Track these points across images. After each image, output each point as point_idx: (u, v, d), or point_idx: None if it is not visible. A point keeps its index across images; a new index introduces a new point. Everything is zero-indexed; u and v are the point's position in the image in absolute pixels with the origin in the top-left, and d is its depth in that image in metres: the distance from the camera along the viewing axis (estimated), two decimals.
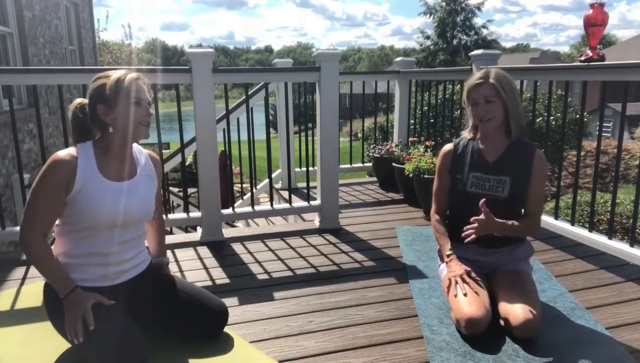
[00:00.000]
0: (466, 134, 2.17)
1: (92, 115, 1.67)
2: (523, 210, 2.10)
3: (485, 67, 3.45)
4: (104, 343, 1.53)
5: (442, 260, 2.20)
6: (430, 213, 2.25)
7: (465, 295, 1.88)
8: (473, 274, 1.99)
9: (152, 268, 1.89)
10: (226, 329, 1.88)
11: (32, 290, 2.31)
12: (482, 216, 1.92)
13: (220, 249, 2.90)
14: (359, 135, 9.25)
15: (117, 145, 1.71)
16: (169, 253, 2.83)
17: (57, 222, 1.69)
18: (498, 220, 1.94)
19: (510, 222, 1.97)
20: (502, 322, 1.87)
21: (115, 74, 1.68)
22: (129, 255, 1.77)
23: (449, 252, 2.10)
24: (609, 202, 4.95)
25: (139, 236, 1.82)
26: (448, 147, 2.20)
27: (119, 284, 1.74)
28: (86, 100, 1.71)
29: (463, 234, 1.95)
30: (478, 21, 32.49)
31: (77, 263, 1.68)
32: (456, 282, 1.95)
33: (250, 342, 1.86)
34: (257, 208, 3.36)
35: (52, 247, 1.70)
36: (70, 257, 1.68)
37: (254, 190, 3.67)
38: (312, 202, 3.34)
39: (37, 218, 1.62)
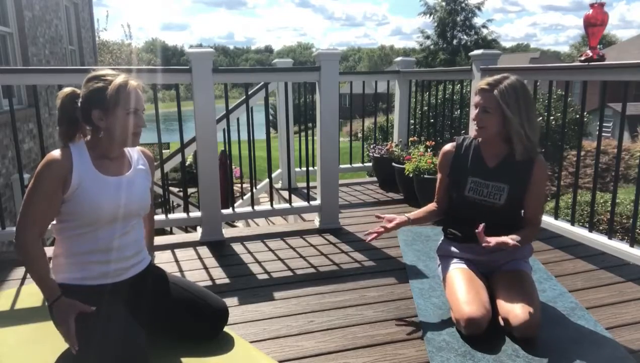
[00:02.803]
0: (472, 133, 2.16)
1: (85, 116, 1.66)
2: (523, 214, 2.10)
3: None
4: (105, 343, 1.53)
5: (441, 260, 2.20)
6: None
7: (464, 297, 1.87)
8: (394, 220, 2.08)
9: (152, 267, 1.89)
10: (226, 329, 1.88)
11: (32, 290, 2.31)
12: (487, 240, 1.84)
13: (220, 249, 2.90)
14: (359, 135, 9.25)
15: (109, 148, 1.71)
16: (169, 253, 2.84)
17: (55, 221, 1.69)
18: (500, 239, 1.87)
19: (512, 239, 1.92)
20: (502, 322, 1.87)
21: (116, 80, 1.64)
22: (130, 253, 1.77)
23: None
24: (609, 202, 4.94)
25: (137, 232, 1.82)
26: (449, 147, 2.18)
27: (120, 282, 1.75)
28: (78, 91, 1.69)
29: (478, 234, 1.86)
30: (478, 21, 32.42)
31: (79, 262, 1.68)
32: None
33: (250, 342, 1.86)
34: (257, 208, 3.36)
35: (54, 247, 1.71)
36: (71, 256, 1.69)
37: (254, 190, 3.67)
38: (312, 202, 3.34)
39: (34, 219, 1.62)
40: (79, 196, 1.62)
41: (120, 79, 1.65)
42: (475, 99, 2.00)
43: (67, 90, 1.71)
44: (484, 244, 1.83)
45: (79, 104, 1.67)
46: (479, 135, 2.02)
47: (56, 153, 1.63)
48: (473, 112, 2.02)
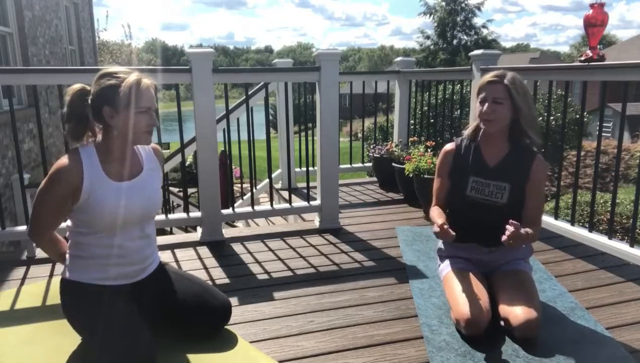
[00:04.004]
0: (467, 133, 2.14)
1: (96, 113, 1.64)
2: (523, 216, 2.09)
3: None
4: (118, 343, 1.55)
5: (442, 259, 2.20)
6: (430, 207, 2.22)
7: (464, 297, 1.88)
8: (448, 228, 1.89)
9: (161, 264, 1.92)
10: (226, 329, 1.89)
11: (32, 290, 2.31)
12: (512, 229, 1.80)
13: (220, 249, 2.90)
14: (359, 135, 9.24)
15: (121, 148, 1.69)
16: (169, 253, 2.84)
17: (70, 224, 1.71)
18: (523, 232, 1.85)
19: (526, 231, 1.91)
20: (502, 322, 1.87)
21: (129, 78, 1.63)
22: (147, 253, 1.80)
23: (441, 221, 1.98)
24: (609, 202, 4.94)
25: (152, 233, 1.85)
26: (449, 147, 2.17)
27: (136, 282, 1.78)
28: (88, 87, 1.67)
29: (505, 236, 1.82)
30: (478, 21, 32.41)
31: (96, 264, 1.70)
32: (438, 231, 1.89)
33: (250, 342, 1.86)
34: (257, 208, 3.35)
35: (69, 245, 1.74)
36: (88, 258, 1.70)
37: (254, 190, 3.67)
38: (312, 202, 3.34)
39: (44, 224, 1.69)
40: (91, 205, 1.62)
41: (133, 77, 1.64)
42: (482, 93, 1.98)
43: (76, 86, 1.68)
44: (504, 241, 1.79)
45: (90, 101, 1.64)
46: (489, 129, 1.99)
47: (67, 162, 1.62)
48: (478, 108, 2.00)
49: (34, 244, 1.77)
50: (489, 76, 1.99)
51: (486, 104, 1.96)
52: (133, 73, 1.66)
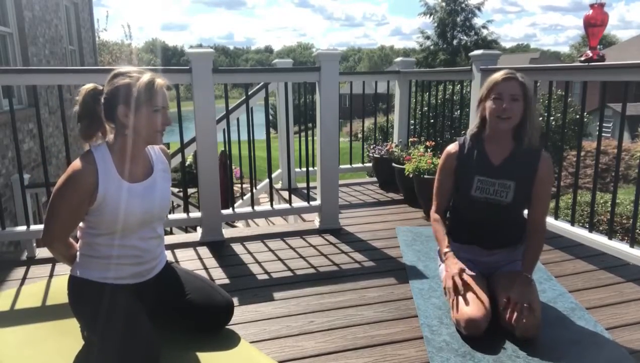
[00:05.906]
0: (469, 133, 2.12)
1: (110, 113, 1.64)
2: (527, 216, 2.09)
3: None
4: (121, 343, 1.55)
5: (442, 260, 2.20)
6: (430, 213, 2.24)
7: (465, 299, 1.88)
8: (468, 271, 1.96)
9: (167, 263, 1.93)
10: (226, 329, 1.89)
11: (32, 290, 2.31)
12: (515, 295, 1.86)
13: (220, 249, 2.90)
14: (359, 135, 9.25)
15: (133, 148, 1.69)
16: (169, 253, 2.84)
17: (81, 225, 1.71)
18: (522, 279, 1.92)
19: (527, 263, 1.97)
20: (502, 322, 1.87)
21: (143, 77, 1.63)
22: (156, 253, 1.81)
23: (446, 250, 2.08)
24: (609, 202, 4.95)
25: (161, 234, 1.85)
26: (453, 148, 2.15)
27: (145, 282, 1.78)
28: (100, 87, 1.67)
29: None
30: (478, 21, 32.46)
31: (107, 263, 1.70)
32: (454, 287, 1.92)
33: (250, 342, 1.86)
34: (257, 208, 3.35)
35: (79, 244, 1.74)
36: (101, 258, 1.70)
37: (254, 190, 3.67)
38: (312, 202, 3.34)
39: (61, 230, 1.66)
40: (105, 207, 1.62)
41: (147, 76, 1.64)
42: (497, 90, 1.95)
43: (89, 86, 1.68)
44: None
45: (103, 100, 1.64)
46: (505, 126, 1.96)
47: (81, 166, 1.61)
48: (491, 106, 1.96)
49: (36, 247, 1.72)
50: (501, 74, 1.97)
51: (503, 101, 1.93)
52: (146, 72, 1.66)
